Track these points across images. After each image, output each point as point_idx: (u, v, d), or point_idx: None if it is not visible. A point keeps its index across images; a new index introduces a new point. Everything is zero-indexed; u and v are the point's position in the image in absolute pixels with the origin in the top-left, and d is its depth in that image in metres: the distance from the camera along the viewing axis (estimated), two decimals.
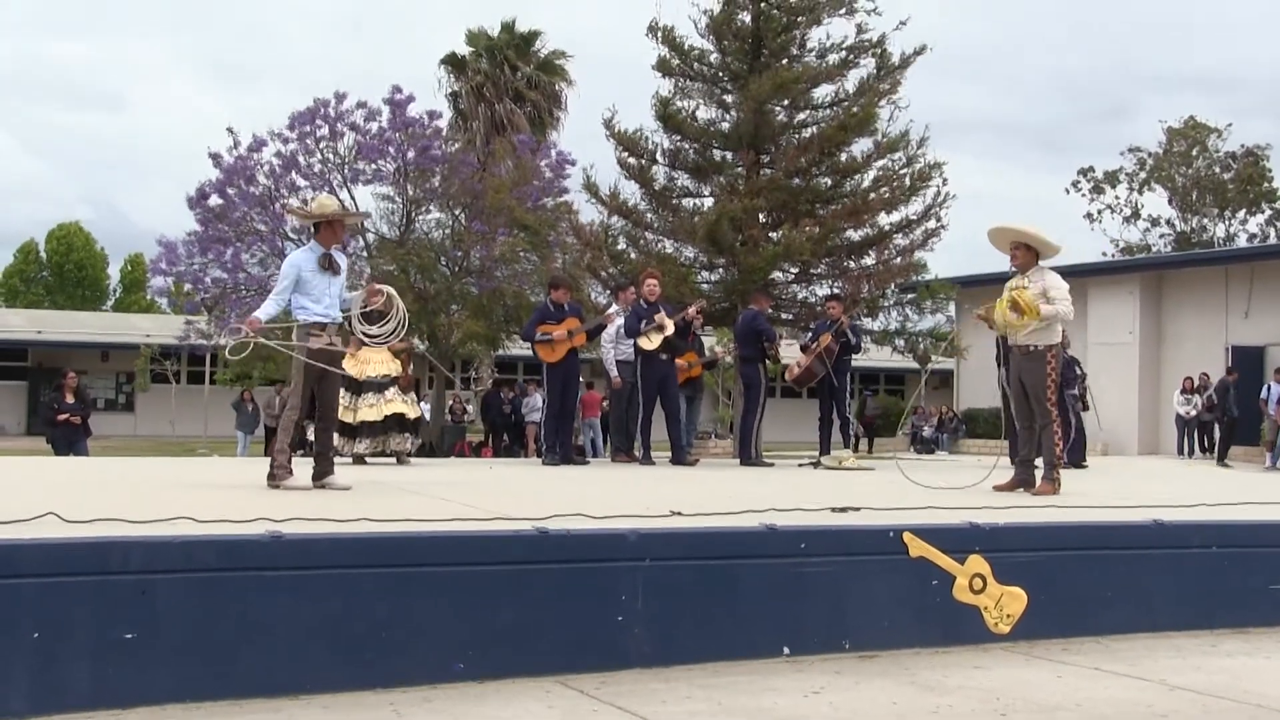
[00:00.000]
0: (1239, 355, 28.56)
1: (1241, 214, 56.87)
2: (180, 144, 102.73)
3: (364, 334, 9.69)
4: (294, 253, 9.30)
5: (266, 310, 9.10)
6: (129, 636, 5.22)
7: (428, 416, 31.02)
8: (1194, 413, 26.83)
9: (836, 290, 20.50)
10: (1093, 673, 6.43)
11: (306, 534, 5.83)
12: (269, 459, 9.44)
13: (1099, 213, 58.40)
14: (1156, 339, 31.18)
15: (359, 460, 13.13)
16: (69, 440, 21.10)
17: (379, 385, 13.50)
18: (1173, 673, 6.44)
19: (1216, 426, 25.83)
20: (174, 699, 5.25)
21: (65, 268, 70.47)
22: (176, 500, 7.39)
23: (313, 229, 9.34)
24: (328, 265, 9.06)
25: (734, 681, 5.98)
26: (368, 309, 9.64)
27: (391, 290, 9.63)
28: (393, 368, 13.66)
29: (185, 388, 43.46)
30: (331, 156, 30.86)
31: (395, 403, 13.39)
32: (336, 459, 13.35)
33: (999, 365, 13.79)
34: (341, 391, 13.30)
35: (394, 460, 13.46)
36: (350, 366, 13.30)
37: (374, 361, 13.45)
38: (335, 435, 13.17)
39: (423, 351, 29.90)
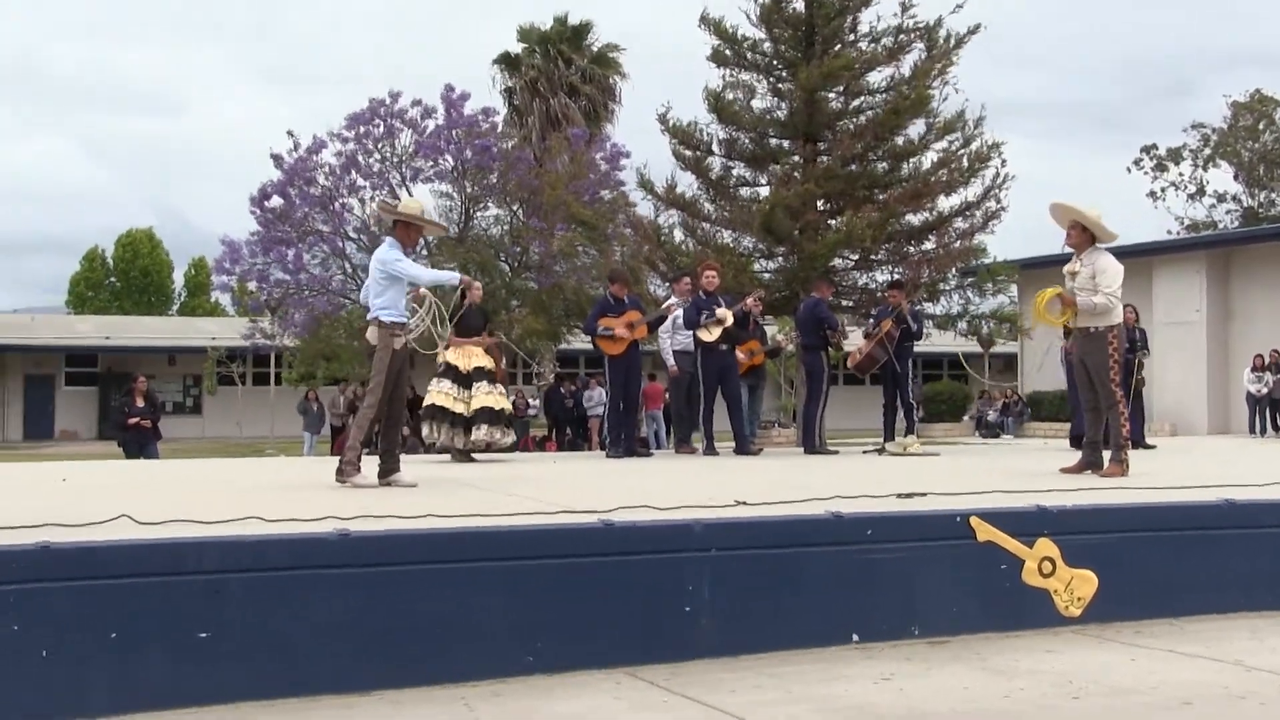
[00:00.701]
0: None
1: None
2: (240, 149, 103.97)
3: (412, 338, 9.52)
4: (382, 248, 9.25)
5: (438, 273, 9.50)
6: (203, 635, 5.28)
7: (534, 407, 31.09)
8: (1265, 390, 26.46)
9: (897, 276, 20.38)
10: (1167, 655, 6.37)
11: (374, 531, 5.87)
12: (338, 456, 9.47)
13: (1162, 191, 57.75)
14: (1224, 316, 30.73)
15: (466, 456, 13.03)
16: (140, 444, 21.43)
17: (488, 375, 13.25)
18: (1249, 654, 6.36)
19: None
20: (247, 697, 5.30)
21: (131, 274, 71.16)
22: (245, 500, 7.46)
23: (392, 226, 9.37)
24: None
25: (803, 670, 5.96)
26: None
27: (427, 293, 9.57)
28: (485, 361, 13.35)
29: (251, 389, 43.87)
30: (390, 155, 31.04)
31: (481, 396, 13.12)
32: (434, 454, 13.43)
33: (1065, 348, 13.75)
34: (451, 384, 13.25)
35: (463, 456, 13.28)
36: (456, 360, 13.21)
37: (480, 353, 13.29)
38: (458, 430, 13.21)
39: (511, 344, 29.85)
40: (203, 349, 41.98)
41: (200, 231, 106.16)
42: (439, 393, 13.14)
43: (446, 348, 12.15)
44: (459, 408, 12.94)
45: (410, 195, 31.12)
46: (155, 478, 11.08)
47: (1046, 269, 23.77)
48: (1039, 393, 32.80)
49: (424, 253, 30.85)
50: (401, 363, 9.13)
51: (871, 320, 15.90)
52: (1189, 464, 11.60)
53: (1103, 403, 10.14)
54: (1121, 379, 10.20)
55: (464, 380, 13.05)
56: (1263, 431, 26.62)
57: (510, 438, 13.64)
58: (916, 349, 16.13)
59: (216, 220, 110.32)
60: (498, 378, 13.38)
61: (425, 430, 13.36)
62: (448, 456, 13.30)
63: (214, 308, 65.43)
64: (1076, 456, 10.79)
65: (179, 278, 75.12)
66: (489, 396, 12.95)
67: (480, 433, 12.84)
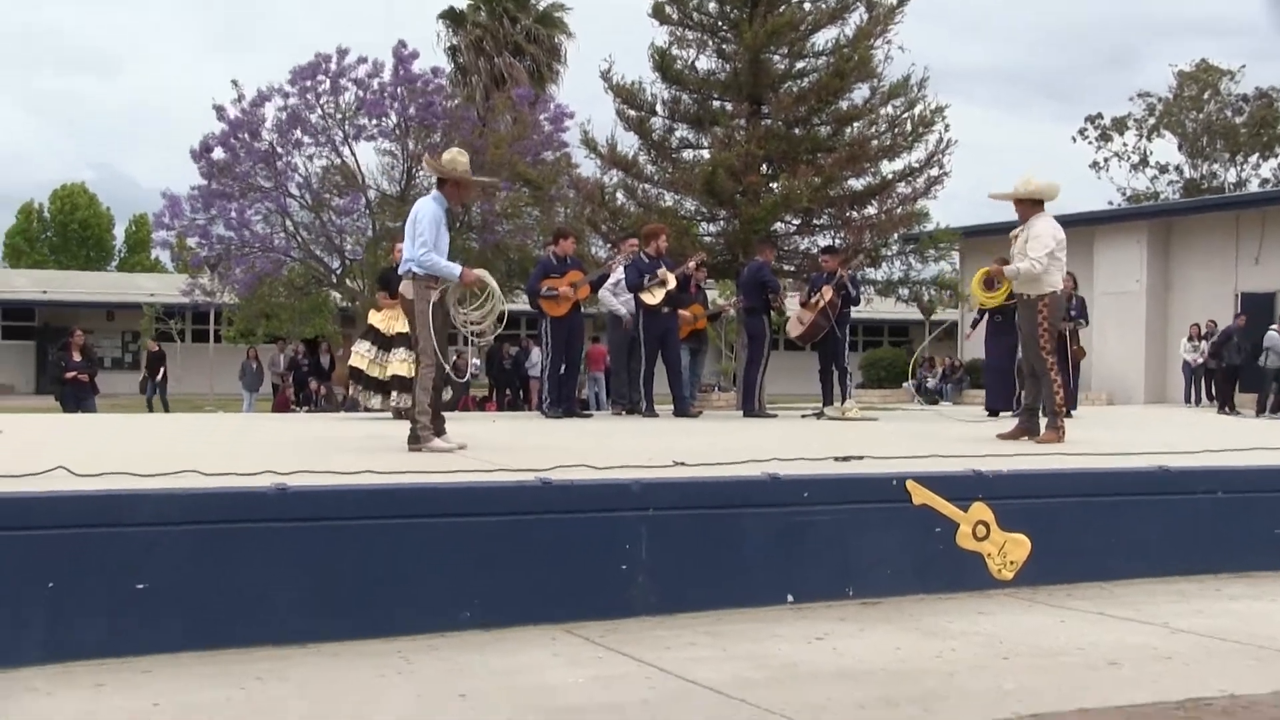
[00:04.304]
0: (1249, 302, 28.50)
1: (1254, 158, 56.28)
2: (182, 106, 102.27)
3: (465, 322, 8.91)
4: (425, 201, 8.71)
5: (448, 265, 8.51)
6: (141, 586, 5.28)
7: (477, 368, 30.86)
8: (1200, 360, 26.80)
9: (831, 243, 20.41)
10: (1096, 617, 6.47)
11: (312, 486, 5.87)
12: (410, 420, 8.76)
13: (1105, 161, 58.03)
14: (1164, 287, 31.07)
15: (400, 415, 12.95)
16: (77, 398, 21.27)
17: (410, 340, 13.22)
18: (1175, 616, 6.47)
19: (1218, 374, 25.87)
20: (186, 647, 5.31)
21: (69, 228, 70.31)
22: (184, 455, 7.42)
23: (436, 183, 8.94)
24: (450, 223, 8.74)
25: (738, 629, 6.01)
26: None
27: (489, 279, 8.87)
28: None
29: (190, 346, 43.52)
30: (333, 112, 30.79)
31: (396, 363, 13.12)
32: (371, 414, 13.29)
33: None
34: (370, 346, 13.27)
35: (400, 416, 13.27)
36: (378, 322, 13.22)
37: (404, 318, 13.23)
38: (371, 392, 13.15)
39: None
40: (141, 305, 41.57)
41: (142, 189, 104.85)
42: (358, 354, 13.24)
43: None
44: (374, 371, 12.94)
45: (352, 152, 31.00)
46: (92, 431, 10.99)
47: (989, 236, 23.98)
48: (979, 360, 33.05)
49: (366, 211, 30.75)
50: (443, 316, 8.70)
51: (808, 288, 15.90)
52: (1125, 432, 11.74)
53: (1037, 369, 10.25)
54: (1054, 346, 10.27)
55: (385, 343, 13.05)
56: (1198, 401, 26.97)
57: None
58: (857, 315, 16.20)
59: (159, 178, 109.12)
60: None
61: (352, 390, 13.38)
62: (389, 415, 13.25)
63: (154, 264, 64.78)
64: (1014, 423, 10.90)
65: (119, 234, 74.35)
66: (404, 364, 12.84)
67: (394, 399, 12.81)
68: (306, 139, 30.86)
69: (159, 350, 32.18)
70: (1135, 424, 14.17)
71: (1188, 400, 27.59)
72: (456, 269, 8.55)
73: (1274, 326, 24.20)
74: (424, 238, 8.45)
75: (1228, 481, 7.91)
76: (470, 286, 8.74)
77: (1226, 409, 24.12)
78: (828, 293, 14.81)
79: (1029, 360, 10.46)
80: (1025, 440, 10.20)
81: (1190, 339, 27.51)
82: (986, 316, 15.73)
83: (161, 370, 31.29)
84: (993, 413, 15.94)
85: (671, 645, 5.67)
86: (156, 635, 5.29)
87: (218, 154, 30.70)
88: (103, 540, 5.28)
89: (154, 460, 6.89)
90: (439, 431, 8.68)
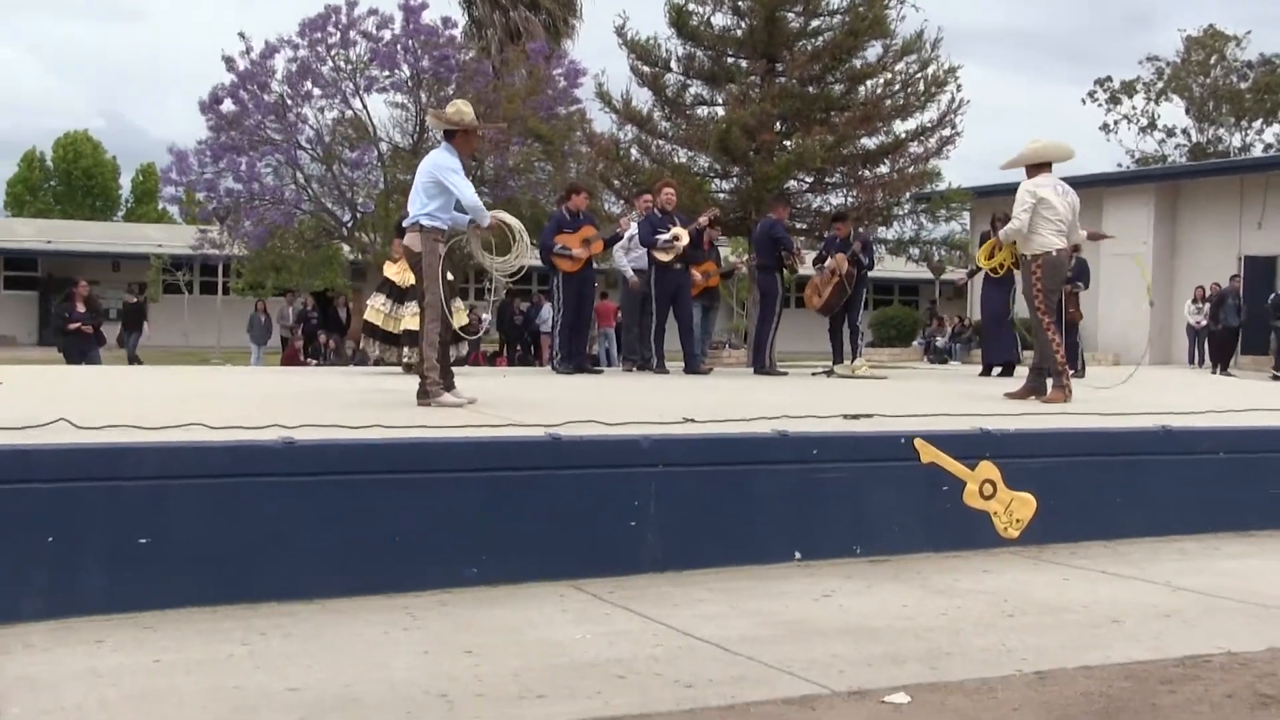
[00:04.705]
0: (1251, 265, 28.48)
1: (1259, 124, 56.31)
2: (194, 55, 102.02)
3: (495, 268, 9.00)
4: (440, 153, 8.63)
5: (478, 204, 8.57)
6: (143, 541, 5.28)
7: (487, 323, 30.75)
8: (1204, 322, 26.79)
9: (840, 208, 20.34)
10: (1099, 575, 6.50)
11: (320, 440, 5.88)
12: (419, 375, 8.66)
13: (1115, 124, 57.89)
14: (1171, 249, 31.04)
15: (409, 369, 12.89)
16: (81, 350, 20.99)
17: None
18: (1177, 574, 6.51)
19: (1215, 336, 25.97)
20: (189, 603, 5.31)
21: (74, 176, 69.88)
22: (190, 408, 7.40)
23: (444, 136, 8.89)
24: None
25: (746, 586, 6.04)
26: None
27: (507, 218, 8.82)
28: None
29: (198, 298, 43.47)
30: (344, 64, 30.68)
31: (409, 318, 13.01)
32: (381, 367, 13.22)
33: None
34: (385, 299, 13.22)
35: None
36: (394, 275, 13.13)
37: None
38: (379, 345, 13.14)
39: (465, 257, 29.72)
40: (148, 256, 41.54)
41: (151, 138, 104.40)
42: (373, 309, 13.19)
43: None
44: (389, 325, 12.91)
45: (364, 105, 30.90)
46: (96, 384, 10.98)
47: (1000, 196, 23.84)
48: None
49: (379, 164, 30.66)
50: (452, 269, 8.67)
51: (822, 248, 15.84)
52: (1129, 392, 11.72)
53: (1034, 328, 10.27)
54: (1051, 306, 10.23)
55: (399, 296, 12.99)
56: (1202, 362, 26.98)
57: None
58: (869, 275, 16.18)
59: (169, 127, 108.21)
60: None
61: (363, 344, 13.35)
62: (399, 369, 13.22)
63: (161, 215, 64.60)
64: (1021, 382, 10.90)
65: (126, 183, 74.02)
66: (415, 319, 12.74)
67: (406, 354, 12.73)
68: (317, 91, 30.75)
69: (137, 302, 30.70)
70: (1142, 384, 14.12)
71: (1191, 361, 27.60)
72: (485, 215, 8.56)
73: None
74: (463, 185, 8.46)
75: (1229, 441, 7.98)
76: (495, 230, 8.73)
77: (1219, 369, 24.25)
78: (843, 263, 14.73)
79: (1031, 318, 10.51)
80: (1032, 399, 10.21)
81: (1194, 301, 27.48)
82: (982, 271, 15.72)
83: (143, 326, 29.69)
84: (987, 369, 15.96)
85: (679, 602, 5.70)
86: (160, 591, 5.29)
87: (227, 106, 30.60)
88: (105, 494, 5.27)
89: (159, 413, 6.87)
90: (449, 386, 8.66)
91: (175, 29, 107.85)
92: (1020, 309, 13.23)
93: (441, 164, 8.50)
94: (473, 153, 8.68)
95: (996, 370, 15.75)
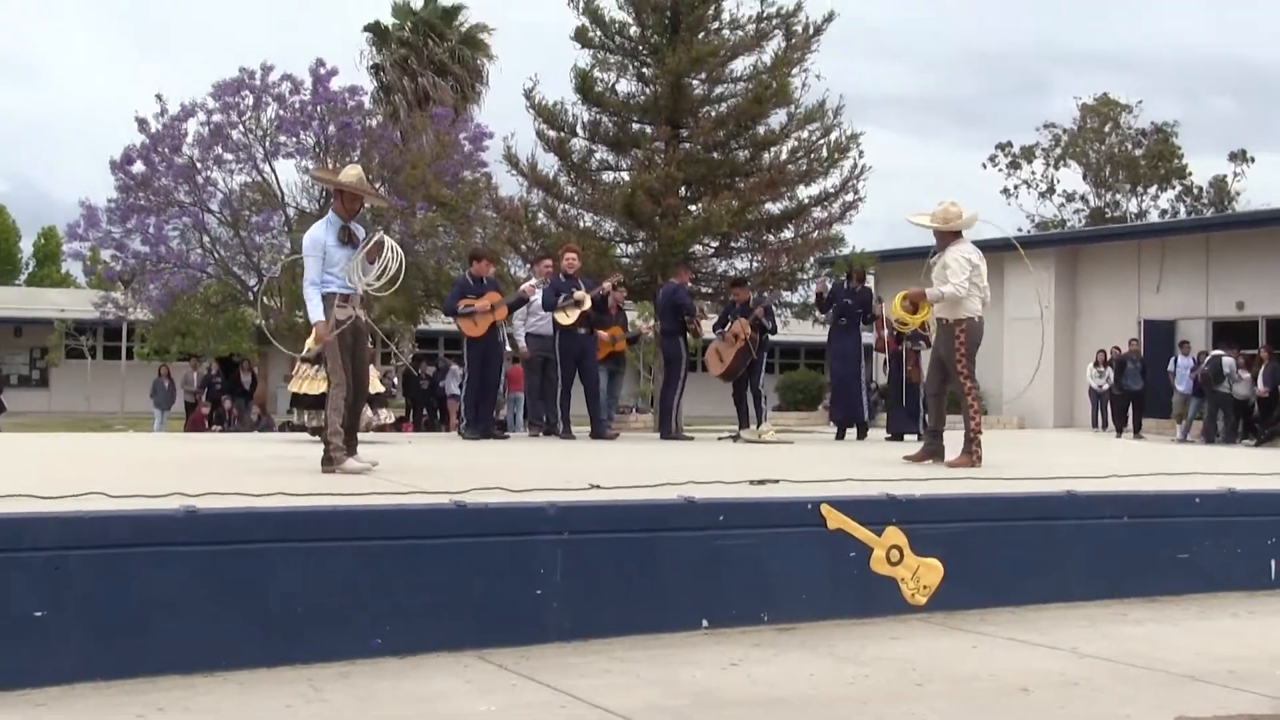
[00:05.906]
0: (1150, 329, 29.00)
1: (1153, 190, 57.65)
2: (100, 118, 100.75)
3: (365, 285, 8.79)
4: (314, 228, 8.74)
5: (317, 306, 8.45)
6: (39, 614, 5.14)
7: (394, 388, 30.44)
8: (1106, 386, 27.22)
9: (739, 274, 20.49)
10: (1008, 642, 6.52)
11: (221, 508, 5.77)
12: (323, 442, 8.62)
13: (1015, 188, 58.94)
14: (1072, 313, 31.52)
15: (315, 433, 12.72)
16: None
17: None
18: (1084, 641, 6.54)
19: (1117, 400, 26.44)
20: (85, 678, 5.18)
21: None
22: (90, 476, 7.27)
23: (330, 198, 8.92)
24: (347, 238, 8.58)
25: (653, 654, 6.00)
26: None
27: (384, 236, 8.81)
28: None
29: (101, 363, 42.81)
30: (255, 128, 30.55)
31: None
32: (295, 433, 13.04)
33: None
34: (309, 366, 13.05)
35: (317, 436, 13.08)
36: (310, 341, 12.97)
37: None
38: (303, 411, 12.95)
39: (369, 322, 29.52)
40: (50, 320, 40.85)
41: (54, 202, 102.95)
42: (300, 378, 13.00)
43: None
44: (312, 388, 12.77)
45: (272, 169, 30.75)
46: None
47: (905, 260, 24.21)
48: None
49: (285, 229, 30.48)
50: (355, 334, 8.60)
51: (723, 313, 15.89)
52: (1034, 456, 11.86)
53: (956, 393, 10.35)
54: (972, 371, 10.35)
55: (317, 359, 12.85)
56: (1104, 426, 27.38)
57: (388, 417, 13.53)
58: (772, 338, 16.26)
59: (73, 190, 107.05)
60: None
61: (297, 417, 13.19)
62: (313, 436, 13.05)
63: (64, 278, 63.61)
64: (919, 447, 10.99)
65: (27, 247, 72.89)
66: (313, 382, 12.65)
67: (308, 418, 12.61)
68: (228, 155, 30.61)
69: None
70: (1046, 448, 14.29)
71: (1094, 425, 27.99)
72: (317, 316, 8.44)
73: (1220, 352, 24.55)
74: (309, 274, 8.51)
75: (1134, 506, 8.01)
76: (321, 339, 8.56)
77: (1122, 432, 24.69)
78: (745, 328, 14.78)
79: (932, 384, 10.63)
80: (931, 463, 10.28)
81: (1096, 364, 27.92)
82: (830, 324, 15.69)
83: None
84: (840, 431, 16.14)
85: (585, 672, 5.64)
86: (54, 665, 5.16)
87: (138, 167, 30.32)
88: (1, 565, 5.13)
89: (59, 482, 6.75)
90: (352, 452, 8.59)
91: (75, 91, 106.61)
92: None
93: (311, 236, 8.63)
94: (354, 215, 8.72)
95: (851, 432, 15.93)
